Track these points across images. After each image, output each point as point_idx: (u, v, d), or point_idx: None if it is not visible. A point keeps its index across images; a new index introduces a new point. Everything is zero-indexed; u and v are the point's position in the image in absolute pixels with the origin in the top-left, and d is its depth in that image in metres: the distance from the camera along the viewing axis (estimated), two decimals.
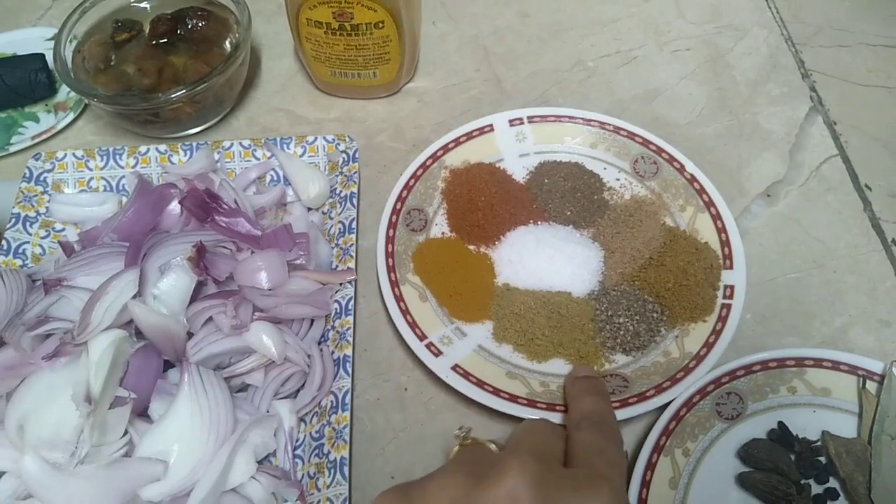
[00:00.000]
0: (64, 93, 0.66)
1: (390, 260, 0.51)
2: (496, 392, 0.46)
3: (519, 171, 0.58)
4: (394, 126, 0.63)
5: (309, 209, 0.56)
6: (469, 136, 0.58)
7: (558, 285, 0.52)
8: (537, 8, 0.72)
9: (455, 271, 0.53)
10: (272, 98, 0.65)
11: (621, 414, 0.44)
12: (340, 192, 0.55)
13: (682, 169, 0.56)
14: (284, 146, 0.57)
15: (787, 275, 0.53)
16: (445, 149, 0.57)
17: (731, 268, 0.51)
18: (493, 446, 0.36)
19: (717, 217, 0.54)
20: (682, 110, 0.63)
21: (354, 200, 0.54)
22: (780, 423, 0.45)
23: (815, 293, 0.52)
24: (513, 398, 0.45)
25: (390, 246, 0.52)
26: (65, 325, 0.45)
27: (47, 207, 0.55)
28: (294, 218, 0.54)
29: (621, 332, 0.49)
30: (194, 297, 0.46)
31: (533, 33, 0.70)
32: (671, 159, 0.57)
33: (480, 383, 0.46)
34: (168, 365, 0.46)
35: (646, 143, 0.58)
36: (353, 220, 0.53)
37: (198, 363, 0.43)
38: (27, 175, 0.55)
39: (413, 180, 0.55)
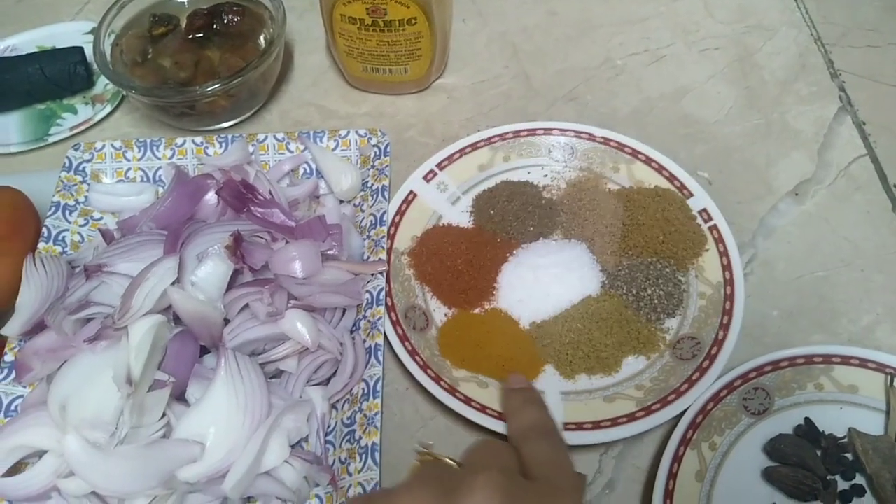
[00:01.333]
0: (101, 85, 0.67)
1: (418, 359, 0.49)
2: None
3: (461, 217, 0.57)
4: (423, 121, 0.63)
5: (341, 201, 0.56)
6: (400, 212, 0.56)
7: (576, 295, 0.52)
8: (566, 6, 0.72)
9: (483, 344, 0.50)
10: (304, 93, 0.66)
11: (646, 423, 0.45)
12: (372, 185, 0.56)
13: (591, 137, 0.58)
14: (317, 139, 0.58)
15: (815, 273, 0.54)
16: (391, 237, 0.54)
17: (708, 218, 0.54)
18: (452, 463, 0.37)
19: (649, 160, 0.57)
20: (711, 109, 0.63)
21: (386, 193, 0.54)
22: (807, 419, 0.45)
23: (843, 291, 0.53)
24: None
25: (408, 344, 0.49)
26: (105, 309, 0.46)
27: (86, 196, 0.56)
28: (327, 210, 0.55)
29: (655, 301, 0.51)
30: (231, 285, 0.47)
31: (561, 31, 0.70)
32: (578, 133, 0.59)
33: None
34: (203, 350, 0.47)
35: (547, 132, 0.59)
36: (385, 212, 0.54)
37: (234, 349, 0.44)
38: (67, 164, 0.56)
39: (387, 285, 0.51)
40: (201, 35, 0.62)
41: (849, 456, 0.44)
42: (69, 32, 0.71)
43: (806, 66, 0.66)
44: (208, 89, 0.56)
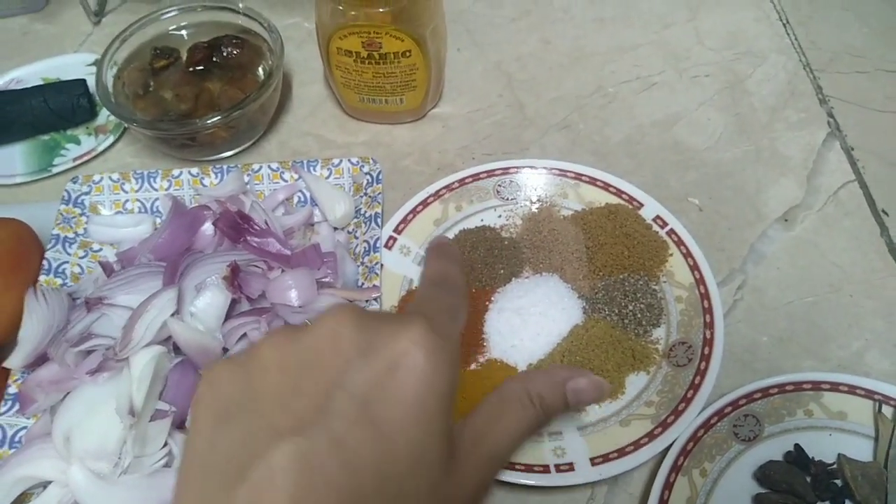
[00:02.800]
0: (104, 116, 0.68)
1: None
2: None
3: None
4: (419, 150, 0.65)
5: (335, 229, 0.58)
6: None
7: (564, 327, 0.52)
8: (559, 35, 0.74)
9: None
10: (302, 123, 0.68)
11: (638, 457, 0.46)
12: (365, 212, 0.57)
13: (532, 168, 0.60)
14: (311, 168, 0.59)
15: (804, 298, 0.54)
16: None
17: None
18: None
19: (594, 181, 0.59)
20: (702, 135, 0.65)
21: (379, 220, 0.56)
22: (797, 446, 0.46)
23: (832, 317, 0.53)
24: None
25: None
26: (106, 341, 0.47)
27: (85, 228, 0.57)
28: (321, 237, 0.56)
29: (638, 315, 0.52)
30: (229, 315, 0.48)
31: (554, 60, 0.71)
32: (518, 168, 0.60)
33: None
34: None
35: (490, 173, 0.60)
36: (378, 239, 0.55)
37: None
38: (66, 198, 0.57)
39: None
40: (202, 67, 0.63)
41: (838, 482, 0.45)
42: (73, 64, 0.73)
43: (795, 93, 0.67)
44: (209, 122, 0.57)
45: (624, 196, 0.58)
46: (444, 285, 0.38)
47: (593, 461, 0.46)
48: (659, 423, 0.47)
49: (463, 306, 0.37)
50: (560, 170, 0.60)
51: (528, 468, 0.46)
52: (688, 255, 0.54)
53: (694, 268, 0.54)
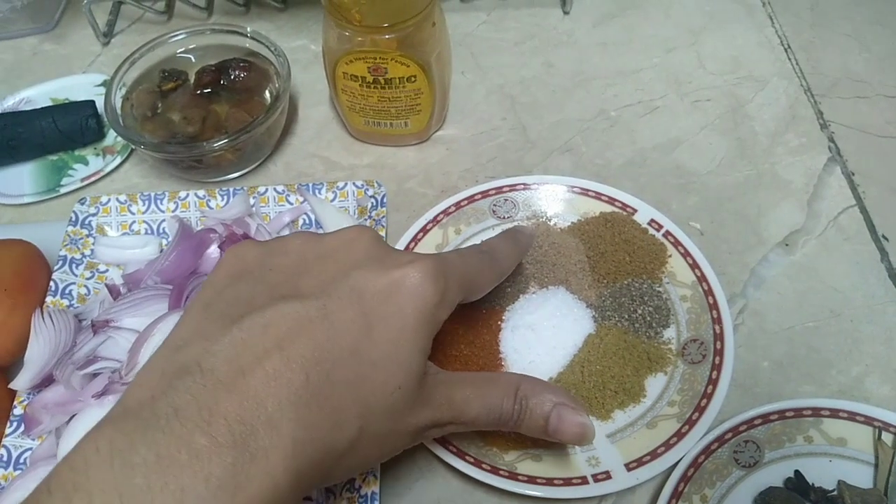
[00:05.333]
0: (111, 137, 0.69)
1: (469, 458, 0.48)
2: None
3: None
4: (423, 172, 0.65)
5: None
6: None
7: (578, 338, 0.53)
8: (562, 58, 0.74)
9: None
10: (308, 145, 0.68)
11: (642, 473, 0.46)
12: None
13: (525, 186, 0.61)
14: (316, 191, 0.60)
15: (805, 323, 0.55)
16: None
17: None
18: None
19: (585, 191, 0.60)
20: (703, 159, 0.65)
21: None
22: (797, 472, 0.46)
23: (832, 342, 0.54)
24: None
25: (452, 447, 0.48)
26: (112, 364, 0.48)
27: (92, 250, 0.58)
28: None
29: (647, 318, 0.53)
30: None
31: (557, 83, 0.72)
32: (512, 187, 0.61)
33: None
34: None
35: (484, 194, 0.61)
36: None
37: None
38: (73, 219, 0.58)
39: None
40: (209, 90, 0.64)
41: None
42: (81, 84, 0.74)
43: (796, 117, 0.68)
44: (215, 145, 0.58)
45: (617, 203, 0.59)
46: (484, 253, 0.40)
47: (628, 466, 0.46)
48: (685, 422, 0.48)
49: (486, 279, 0.40)
50: (552, 184, 0.61)
51: (567, 482, 0.46)
52: (686, 254, 0.56)
53: (694, 266, 0.55)
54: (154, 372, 0.30)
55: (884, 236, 0.59)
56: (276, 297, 0.32)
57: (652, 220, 0.58)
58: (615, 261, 0.56)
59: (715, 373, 0.49)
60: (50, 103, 0.71)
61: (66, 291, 0.55)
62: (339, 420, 0.30)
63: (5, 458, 0.47)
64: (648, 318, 0.53)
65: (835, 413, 0.48)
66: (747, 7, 0.78)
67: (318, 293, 0.32)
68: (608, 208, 0.59)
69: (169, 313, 0.47)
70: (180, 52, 0.67)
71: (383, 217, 0.57)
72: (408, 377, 0.33)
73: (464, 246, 0.59)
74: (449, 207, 0.60)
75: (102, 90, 0.72)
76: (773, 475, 0.46)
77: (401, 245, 0.58)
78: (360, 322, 0.32)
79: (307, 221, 0.60)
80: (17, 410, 0.49)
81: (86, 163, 0.68)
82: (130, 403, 0.29)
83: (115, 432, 0.28)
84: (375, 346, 0.32)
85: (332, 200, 0.59)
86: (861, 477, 0.46)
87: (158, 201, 0.60)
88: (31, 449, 0.48)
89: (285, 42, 0.65)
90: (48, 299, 0.54)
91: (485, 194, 0.61)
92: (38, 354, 0.48)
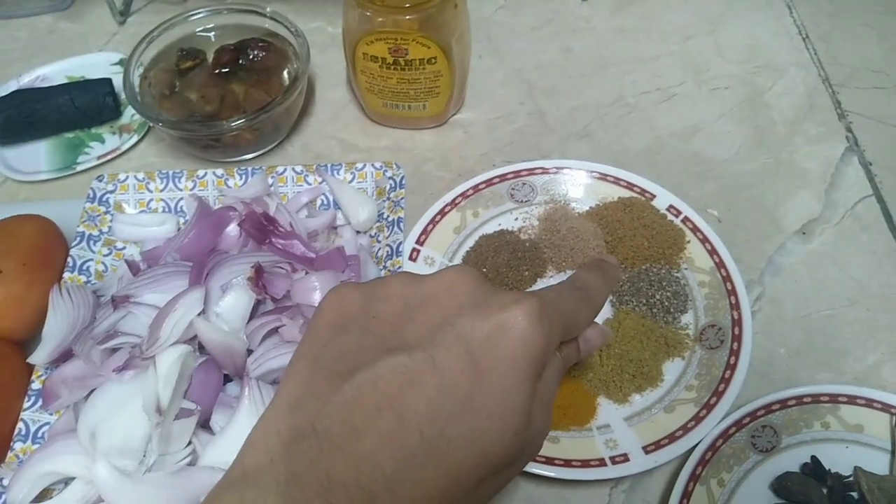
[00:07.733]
0: (128, 115, 0.69)
1: None
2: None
3: None
4: (440, 156, 0.65)
5: (358, 232, 0.58)
6: None
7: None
8: (580, 44, 0.74)
9: None
10: (325, 126, 0.68)
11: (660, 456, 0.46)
12: (388, 216, 0.57)
13: (545, 171, 0.61)
14: (335, 172, 0.59)
15: (822, 311, 0.55)
16: None
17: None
18: None
19: (604, 176, 0.60)
20: (721, 147, 0.65)
21: (401, 225, 0.56)
22: (814, 458, 0.46)
23: (849, 330, 0.54)
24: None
25: None
26: (132, 339, 0.48)
27: (110, 226, 0.58)
28: (344, 241, 0.57)
29: (665, 303, 0.53)
30: (253, 315, 0.49)
31: (575, 69, 0.72)
32: (531, 171, 0.61)
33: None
34: (226, 378, 0.48)
35: (502, 178, 0.61)
36: (400, 243, 0.55)
37: (257, 378, 0.46)
38: (91, 195, 0.58)
39: None
40: (227, 70, 0.64)
41: (854, 495, 0.45)
42: (97, 63, 0.74)
43: (814, 107, 0.68)
44: (234, 124, 0.58)
45: (636, 189, 0.59)
46: (579, 291, 0.39)
47: (646, 449, 0.47)
48: (703, 406, 0.48)
49: (584, 317, 0.39)
50: (571, 168, 0.61)
51: (585, 463, 0.47)
52: (705, 240, 0.56)
53: (712, 252, 0.55)
54: (269, 433, 0.30)
55: None
56: (384, 349, 0.31)
57: (671, 206, 0.58)
58: (634, 246, 0.56)
59: (733, 358, 0.50)
60: (65, 81, 0.70)
61: (84, 268, 0.55)
62: (457, 476, 0.30)
63: (24, 432, 0.48)
64: (666, 304, 0.53)
65: (852, 400, 0.48)
66: None
67: (424, 343, 0.32)
68: (627, 193, 0.59)
69: (190, 289, 0.47)
70: (199, 31, 0.67)
71: (402, 199, 0.57)
72: (522, 422, 0.32)
73: (482, 230, 0.59)
74: (467, 190, 0.60)
75: (118, 69, 0.72)
76: (790, 460, 0.47)
77: (419, 227, 0.58)
78: (470, 372, 0.31)
79: (325, 202, 0.60)
80: (35, 385, 0.49)
81: (102, 141, 0.68)
82: (249, 467, 0.29)
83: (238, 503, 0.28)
84: (488, 395, 0.31)
85: (350, 181, 0.59)
86: (877, 463, 0.46)
87: (176, 179, 0.59)
88: (48, 423, 0.48)
89: (302, 24, 0.65)
90: (66, 275, 0.54)
91: (503, 178, 0.61)
92: (56, 329, 0.48)
